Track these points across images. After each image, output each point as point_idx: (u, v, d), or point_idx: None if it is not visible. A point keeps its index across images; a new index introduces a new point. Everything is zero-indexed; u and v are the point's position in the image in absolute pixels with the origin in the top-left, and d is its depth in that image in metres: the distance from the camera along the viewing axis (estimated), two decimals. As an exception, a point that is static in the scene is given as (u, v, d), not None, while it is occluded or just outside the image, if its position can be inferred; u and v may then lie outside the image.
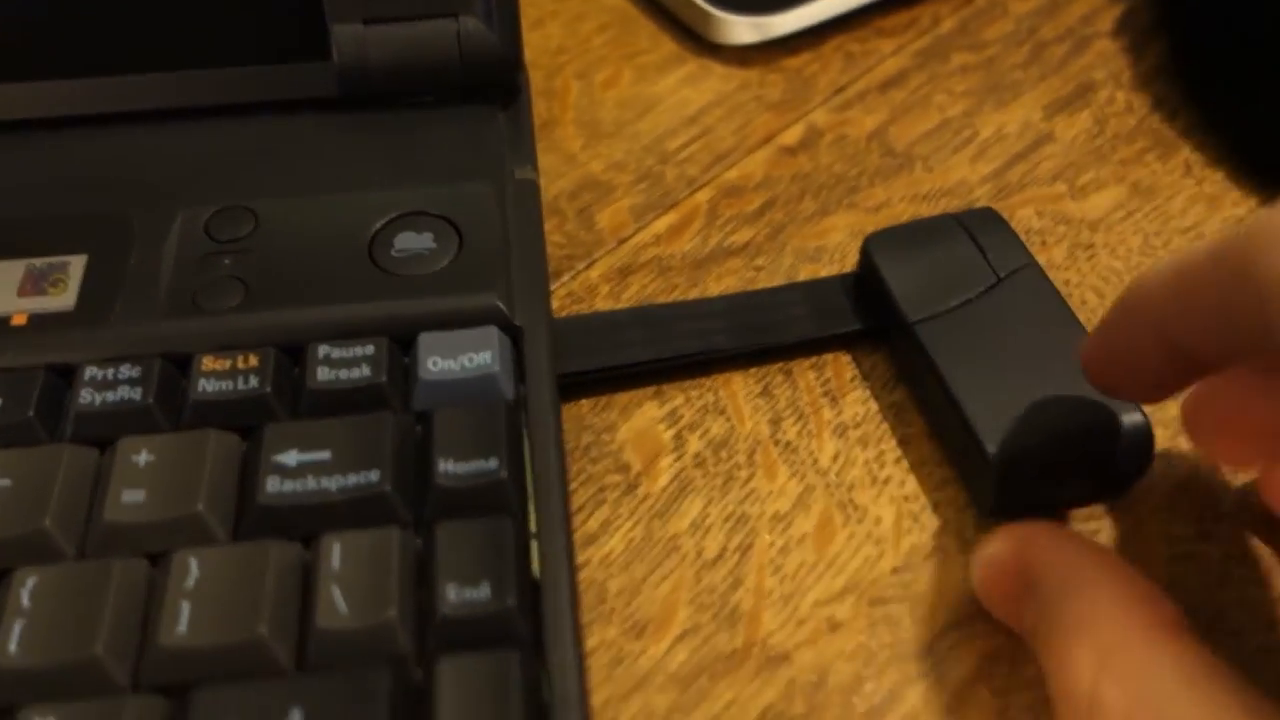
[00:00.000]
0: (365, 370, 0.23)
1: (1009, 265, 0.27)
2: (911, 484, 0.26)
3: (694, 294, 0.30)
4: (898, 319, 0.27)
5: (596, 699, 0.23)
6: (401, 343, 0.25)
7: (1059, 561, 0.21)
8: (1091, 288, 0.30)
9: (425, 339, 0.24)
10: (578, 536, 0.25)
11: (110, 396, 0.23)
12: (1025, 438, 0.24)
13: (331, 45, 0.28)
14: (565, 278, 0.30)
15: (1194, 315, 0.20)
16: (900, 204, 0.32)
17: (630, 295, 0.30)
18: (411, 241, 0.26)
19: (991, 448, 0.24)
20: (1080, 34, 0.37)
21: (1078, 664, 0.20)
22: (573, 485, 0.26)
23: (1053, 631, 0.20)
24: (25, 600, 0.20)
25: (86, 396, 0.23)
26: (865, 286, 0.28)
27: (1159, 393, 0.23)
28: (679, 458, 0.26)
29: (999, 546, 0.22)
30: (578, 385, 0.27)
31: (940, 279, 0.27)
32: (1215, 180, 0.32)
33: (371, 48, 0.28)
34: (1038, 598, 0.21)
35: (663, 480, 0.26)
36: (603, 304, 0.30)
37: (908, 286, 0.27)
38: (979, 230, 0.28)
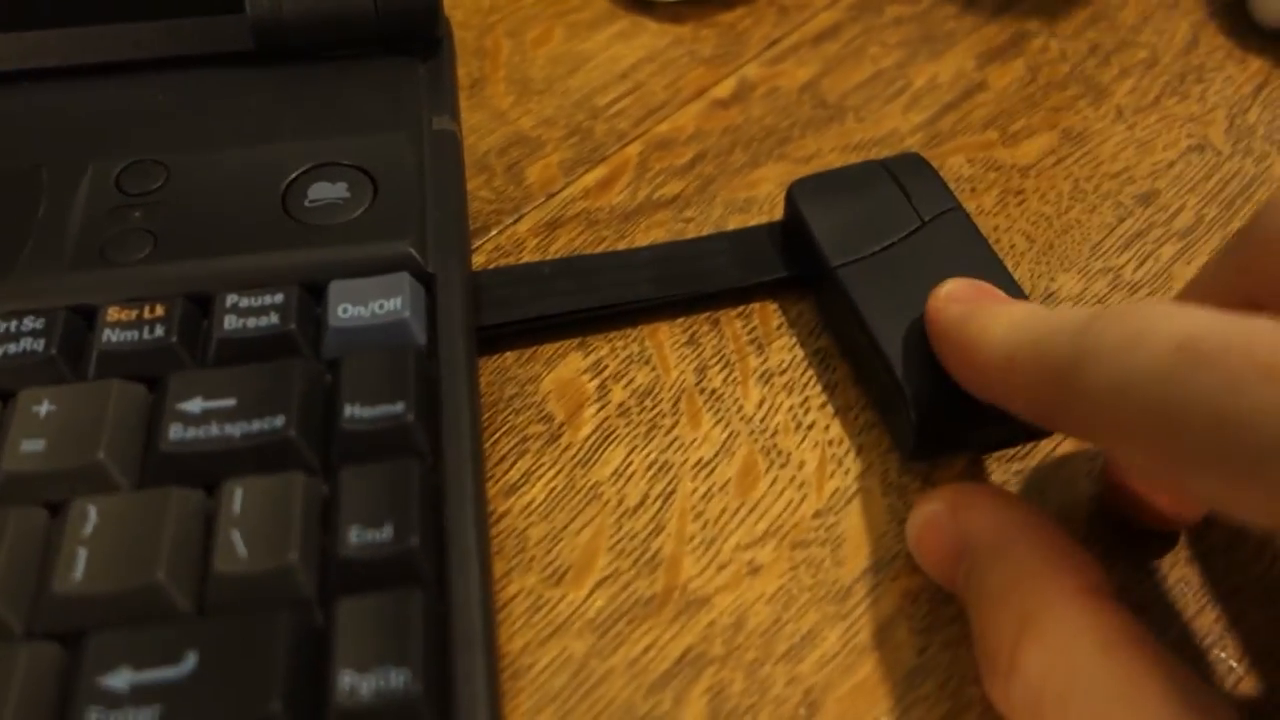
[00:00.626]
0: (274, 318, 0.23)
1: (933, 209, 0.27)
2: (835, 428, 0.26)
3: (622, 246, 0.30)
4: (821, 264, 0.26)
5: (514, 645, 0.22)
6: (314, 292, 0.24)
7: (991, 524, 0.21)
8: (1021, 232, 0.30)
9: (335, 286, 0.24)
10: (499, 486, 0.25)
11: (12, 348, 0.23)
12: (944, 381, 0.24)
13: (245, -3, 0.28)
14: (493, 232, 0.30)
15: (1018, 400, 0.21)
16: (831, 154, 0.32)
17: (558, 248, 0.30)
18: (325, 191, 0.26)
19: (910, 391, 0.24)
20: (1016, -15, 0.37)
21: (1001, 626, 0.19)
22: (495, 436, 0.26)
23: (981, 594, 0.20)
24: (-82, 550, 0.20)
25: (-13, 349, 0.23)
26: (791, 234, 0.28)
27: None
28: (602, 407, 0.26)
29: (934, 507, 0.22)
30: (503, 337, 0.27)
31: (864, 223, 0.27)
32: (1147, 125, 0.32)
33: (285, 0, 0.28)
34: (969, 559, 0.21)
35: (585, 430, 0.26)
36: (530, 258, 0.29)
37: (831, 231, 0.27)
38: (904, 175, 0.28)
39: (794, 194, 0.27)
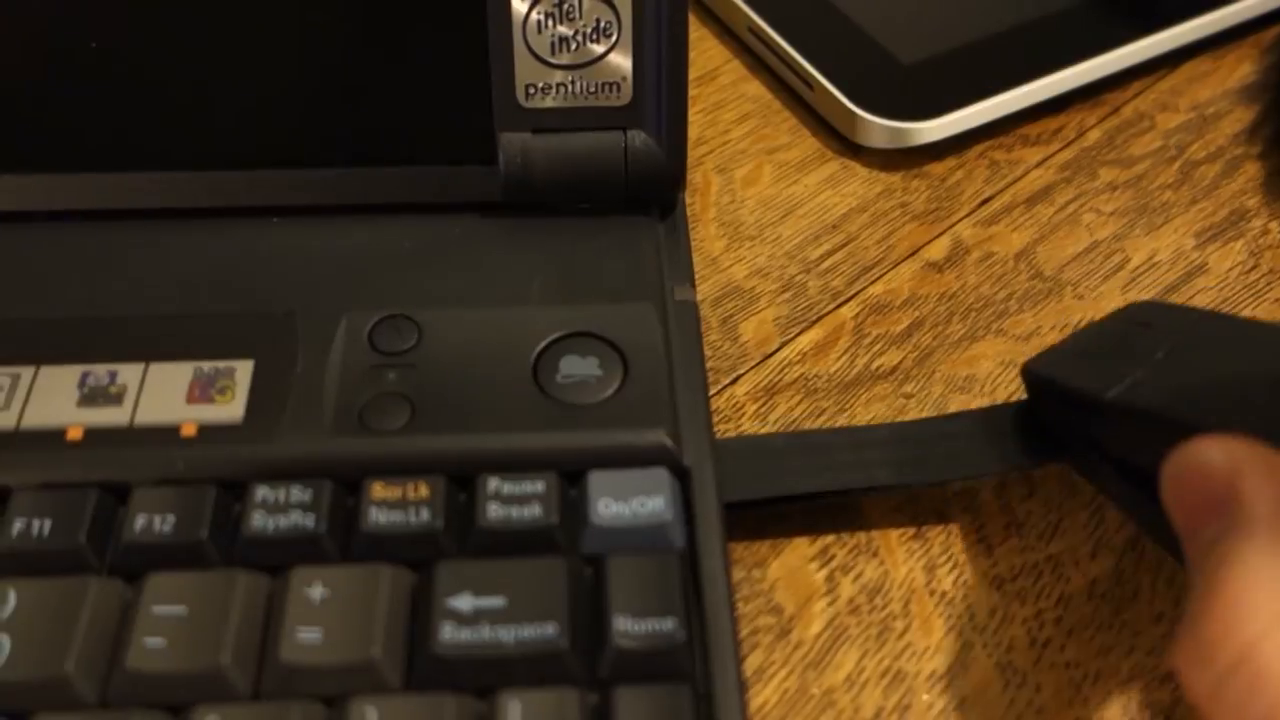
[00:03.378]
0: (537, 509, 0.23)
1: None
2: (1072, 650, 0.25)
3: (842, 419, 0.29)
4: (1089, 402, 0.24)
5: None
6: (568, 476, 0.24)
7: (1275, 492, 0.18)
8: (1251, 441, 0.29)
9: (596, 479, 0.24)
10: (731, 681, 0.25)
11: (282, 521, 0.23)
12: None
13: (499, 152, 0.28)
14: (711, 392, 0.30)
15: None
16: (1051, 333, 0.31)
17: (777, 416, 0.29)
18: (577, 366, 0.26)
19: None
20: (1230, 154, 0.36)
21: (1251, 605, 0.17)
22: (724, 623, 0.26)
23: (1229, 564, 0.18)
24: (206, 745, 0.20)
25: (259, 520, 0.23)
26: (1034, 414, 0.27)
27: None
28: (832, 602, 0.26)
29: (1210, 453, 0.19)
30: (729, 516, 0.27)
31: (1110, 360, 0.25)
32: (1376, 329, 0.32)
33: (538, 156, 0.28)
34: (1228, 521, 0.18)
35: (816, 626, 0.26)
36: (749, 424, 0.29)
37: (1082, 376, 0.25)
38: (1139, 317, 0.27)
39: (1032, 371, 0.26)
